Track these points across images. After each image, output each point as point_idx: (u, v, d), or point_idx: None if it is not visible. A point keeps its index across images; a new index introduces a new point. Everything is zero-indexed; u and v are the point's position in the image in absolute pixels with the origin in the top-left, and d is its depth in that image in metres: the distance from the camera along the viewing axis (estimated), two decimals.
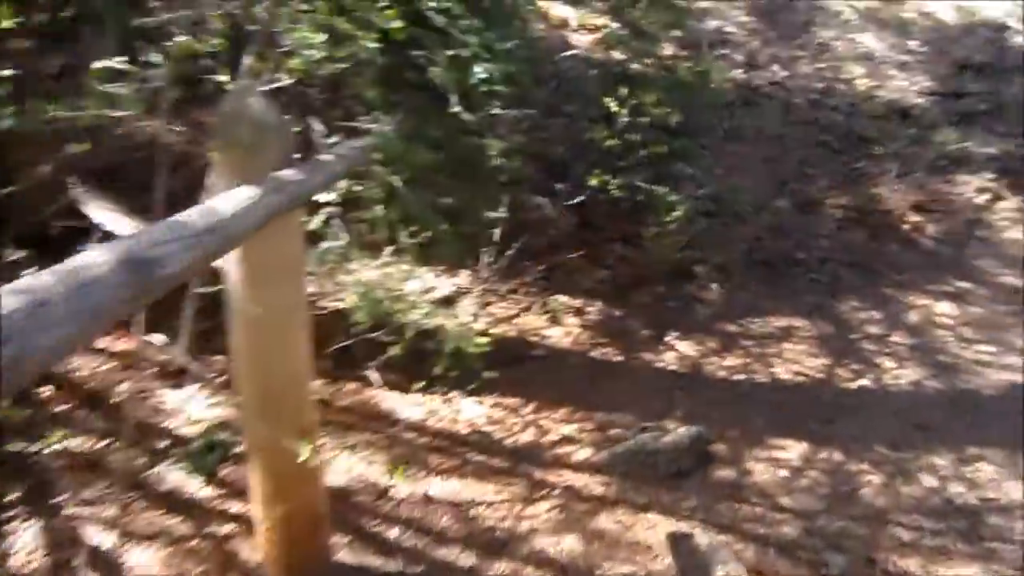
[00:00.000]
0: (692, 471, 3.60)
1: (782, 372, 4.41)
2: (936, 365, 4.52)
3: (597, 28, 7.16)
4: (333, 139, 3.72)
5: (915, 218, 5.99)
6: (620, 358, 4.43)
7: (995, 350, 4.69)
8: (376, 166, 3.77)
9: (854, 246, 5.70)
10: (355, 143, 3.64)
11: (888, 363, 4.53)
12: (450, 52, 4.28)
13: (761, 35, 7.71)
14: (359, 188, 3.83)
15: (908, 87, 7.17)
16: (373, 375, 4.00)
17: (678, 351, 4.53)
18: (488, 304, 4.71)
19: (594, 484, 3.51)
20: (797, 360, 4.52)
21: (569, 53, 5.09)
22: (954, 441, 3.91)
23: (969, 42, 7.80)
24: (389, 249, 4.44)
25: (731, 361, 4.48)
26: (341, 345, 3.87)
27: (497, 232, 4.65)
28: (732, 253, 5.38)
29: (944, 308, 5.11)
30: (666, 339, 4.63)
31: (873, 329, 4.87)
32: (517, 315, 4.67)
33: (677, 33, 7.63)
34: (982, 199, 6.25)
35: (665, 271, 5.13)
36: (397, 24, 3.54)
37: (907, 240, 5.84)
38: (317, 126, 3.76)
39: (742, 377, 4.35)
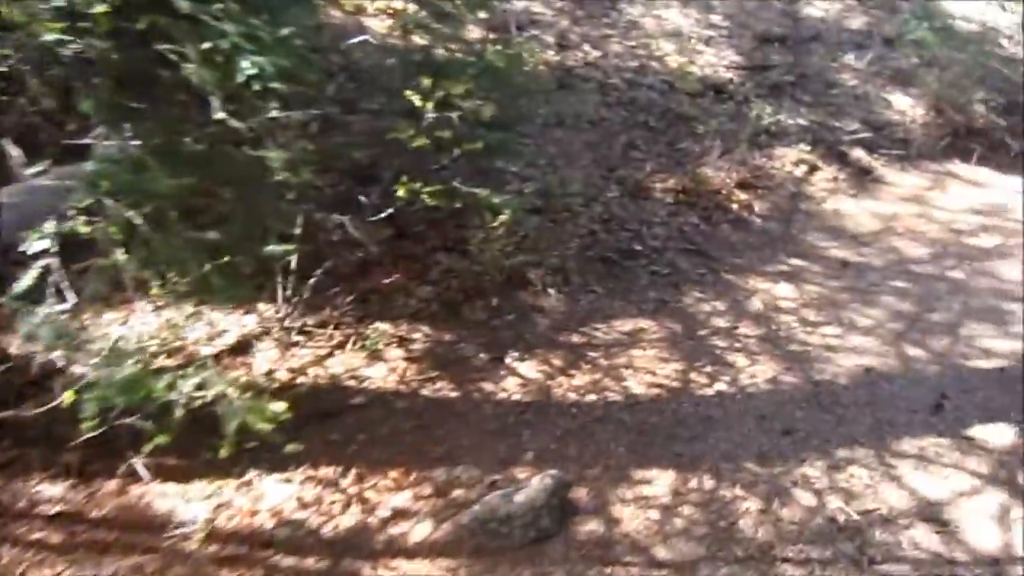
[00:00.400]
0: (553, 533, 2.94)
1: (636, 385, 3.86)
2: (788, 357, 4.16)
3: (397, 12, 6.33)
4: (38, 167, 2.70)
5: (742, 196, 5.69)
6: (456, 393, 3.70)
7: (839, 331, 4.41)
8: (107, 198, 2.77)
9: (688, 231, 5.30)
10: (67, 171, 2.64)
11: (741, 360, 4.11)
12: (207, 44, 3.35)
13: (569, 14, 7.20)
14: (88, 229, 2.82)
15: (717, 62, 6.93)
16: (140, 466, 3.02)
17: (521, 375, 3.87)
18: (291, 346, 3.81)
19: (438, 572, 2.76)
20: (649, 368, 4.00)
21: (359, 39, 4.24)
22: (822, 444, 3.52)
23: (766, 15, 7.72)
24: (151, 297, 3.47)
25: (580, 379, 3.88)
26: (94, 433, 2.86)
27: (294, 259, 3.77)
28: (567, 252, 4.78)
29: (783, 290, 4.80)
30: (506, 361, 3.95)
31: (720, 322, 4.45)
32: (329, 355, 3.80)
33: (483, 15, 6.99)
34: (800, 171, 6.08)
35: (497, 280, 4.45)
36: (99, 8, 2.58)
37: (738, 220, 5.53)
38: (14, 151, 2.71)
39: (594, 398, 3.76)
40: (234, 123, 3.50)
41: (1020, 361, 4.11)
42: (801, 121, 6.38)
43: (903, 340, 4.34)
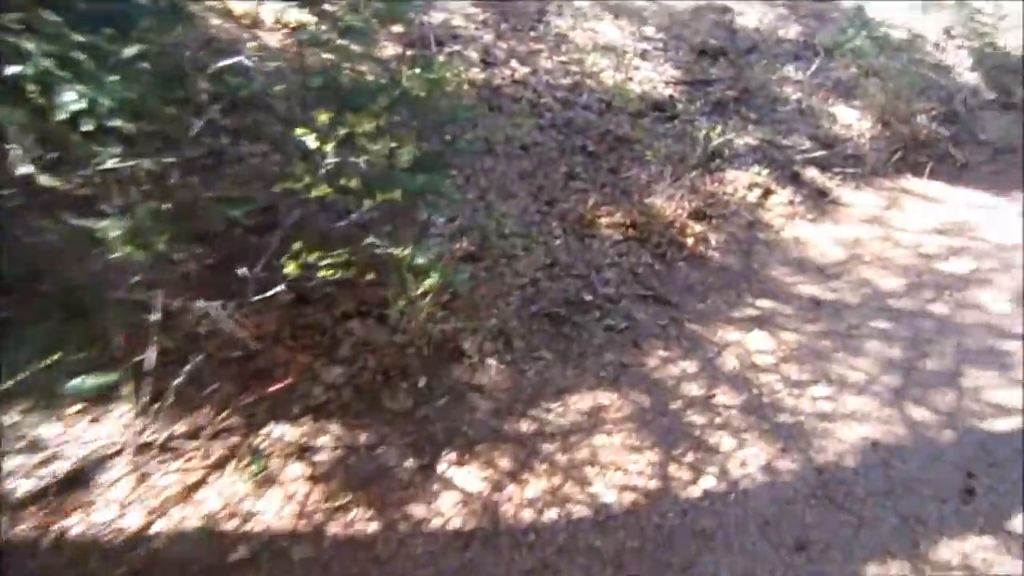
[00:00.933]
0: None
1: (605, 490, 2.93)
2: (779, 432, 3.31)
3: (297, 26, 5.28)
4: None
5: (696, 228, 4.85)
6: (376, 525, 2.68)
7: (829, 392, 3.59)
8: None
9: (642, 273, 4.41)
10: None
11: (726, 441, 3.23)
12: (12, 69, 2.31)
13: (493, 28, 6.25)
14: None
15: (656, 78, 6.09)
16: None
17: (459, 488, 2.88)
18: (148, 476, 2.72)
19: None
20: (619, 463, 3.07)
21: (231, 60, 3.16)
22: (846, 560, 2.66)
23: (700, 27, 6.94)
24: None
25: (535, 487, 2.92)
26: None
27: (152, 353, 2.69)
28: (507, 309, 3.83)
29: (758, 341, 3.96)
30: (439, 469, 2.96)
31: (693, 389, 3.57)
32: (202, 481, 2.73)
33: (397, 28, 5.99)
34: (754, 196, 5.28)
35: (425, 353, 3.45)
36: None
37: (694, 256, 4.67)
38: None
39: (555, 515, 2.80)
40: (48, 180, 2.44)
41: None
42: (750, 140, 5.60)
43: (903, 399, 3.55)
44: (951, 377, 3.72)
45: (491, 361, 3.54)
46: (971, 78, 7.23)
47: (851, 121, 6.22)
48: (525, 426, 3.23)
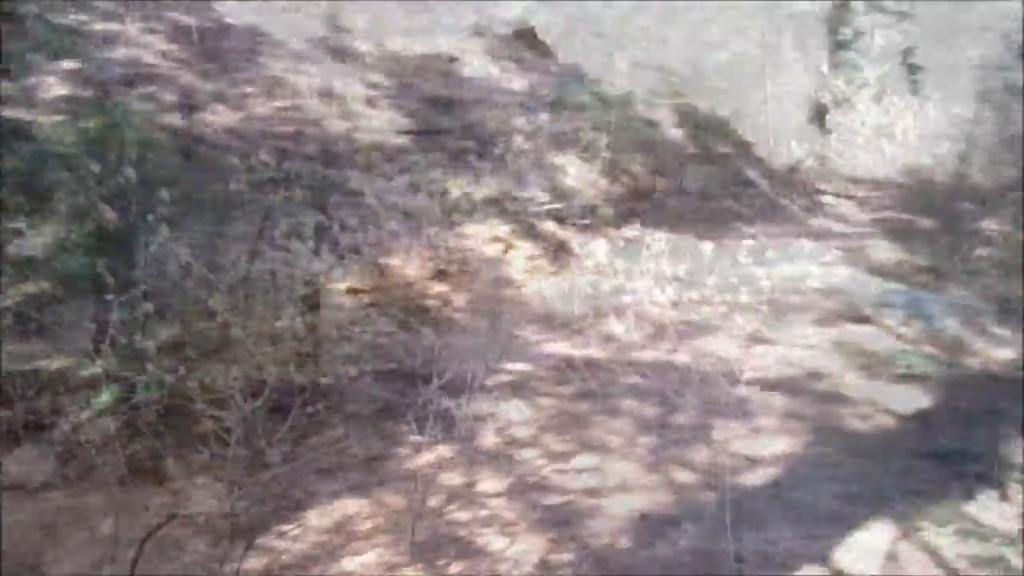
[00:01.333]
0: None
1: None
2: (549, 518, 3.01)
3: None
4: None
5: (439, 288, 4.55)
6: None
7: (594, 461, 3.41)
8: None
9: (384, 344, 3.98)
10: None
11: (494, 539, 2.87)
12: None
13: (196, 68, 5.49)
14: None
15: (386, 127, 5.76)
16: None
17: None
18: None
19: None
20: None
21: None
22: None
23: (429, 75, 6.80)
24: None
25: None
26: None
27: None
28: (220, 409, 3.14)
29: (515, 411, 3.70)
30: None
31: (453, 479, 3.18)
32: None
33: (70, 64, 5.02)
34: (495, 250, 5.14)
35: (108, 487, 2.66)
36: None
37: (439, 320, 4.35)
38: None
39: None
40: None
41: (785, 469, 3.50)
42: (487, 193, 5.48)
43: (663, 460, 3.48)
44: (701, 431, 3.75)
45: (202, 480, 2.84)
46: (676, 134, 7.96)
47: (580, 173, 6.43)
48: (251, 563, 2.58)
